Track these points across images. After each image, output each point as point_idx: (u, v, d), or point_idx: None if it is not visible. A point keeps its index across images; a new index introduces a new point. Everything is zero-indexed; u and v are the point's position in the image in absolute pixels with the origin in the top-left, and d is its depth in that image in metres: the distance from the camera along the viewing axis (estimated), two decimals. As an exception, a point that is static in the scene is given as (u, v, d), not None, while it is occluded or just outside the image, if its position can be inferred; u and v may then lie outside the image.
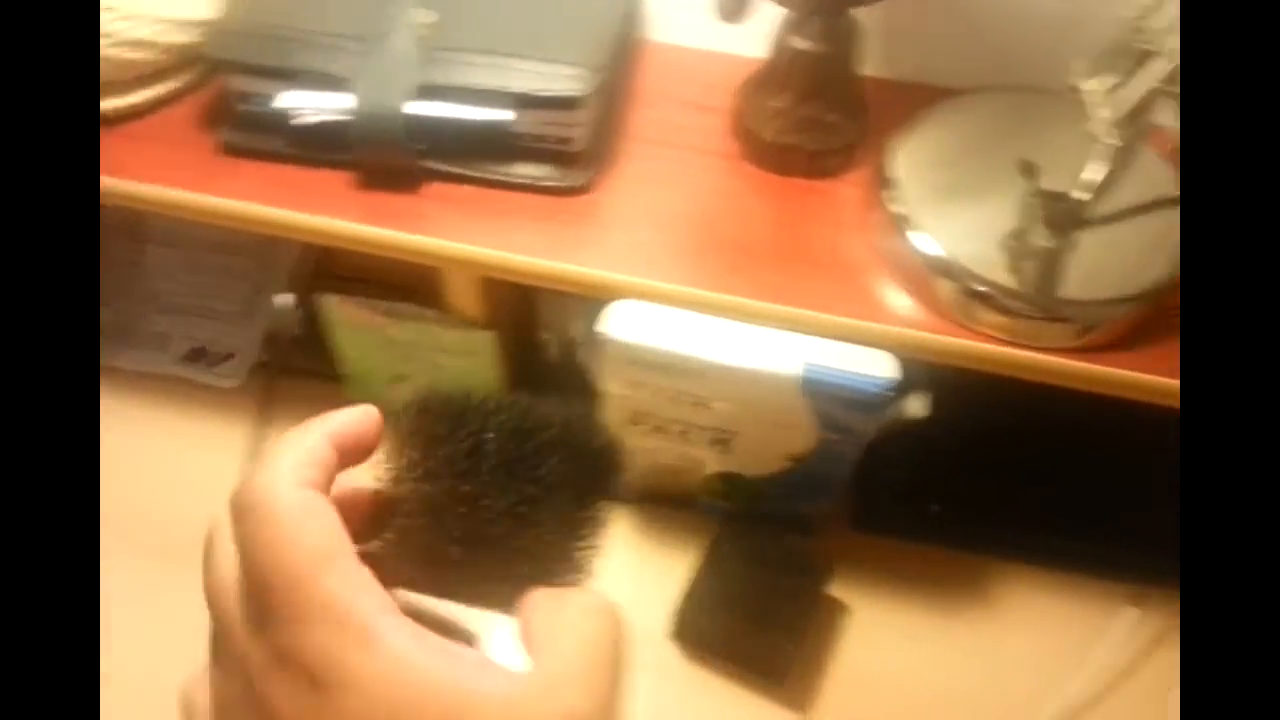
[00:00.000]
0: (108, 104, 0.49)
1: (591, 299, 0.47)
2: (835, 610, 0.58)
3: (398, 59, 0.45)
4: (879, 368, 0.45)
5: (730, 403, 0.48)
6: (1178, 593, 0.56)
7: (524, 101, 0.45)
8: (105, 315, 0.66)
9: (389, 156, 0.46)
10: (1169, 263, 0.45)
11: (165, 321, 0.66)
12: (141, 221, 0.69)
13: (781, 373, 0.45)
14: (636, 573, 0.58)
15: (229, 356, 0.64)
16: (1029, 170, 0.48)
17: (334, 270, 0.66)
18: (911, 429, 0.50)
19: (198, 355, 0.64)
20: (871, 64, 0.52)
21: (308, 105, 0.46)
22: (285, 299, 0.66)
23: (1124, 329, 0.45)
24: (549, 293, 0.50)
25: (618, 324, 0.46)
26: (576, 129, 0.47)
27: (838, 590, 0.58)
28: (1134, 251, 0.46)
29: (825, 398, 0.46)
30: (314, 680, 0.22)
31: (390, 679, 0.22)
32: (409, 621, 0.23)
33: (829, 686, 0.55)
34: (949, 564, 0.60)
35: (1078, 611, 0.58)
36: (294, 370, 0.65)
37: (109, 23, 0.46)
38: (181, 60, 0.50)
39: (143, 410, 0.64)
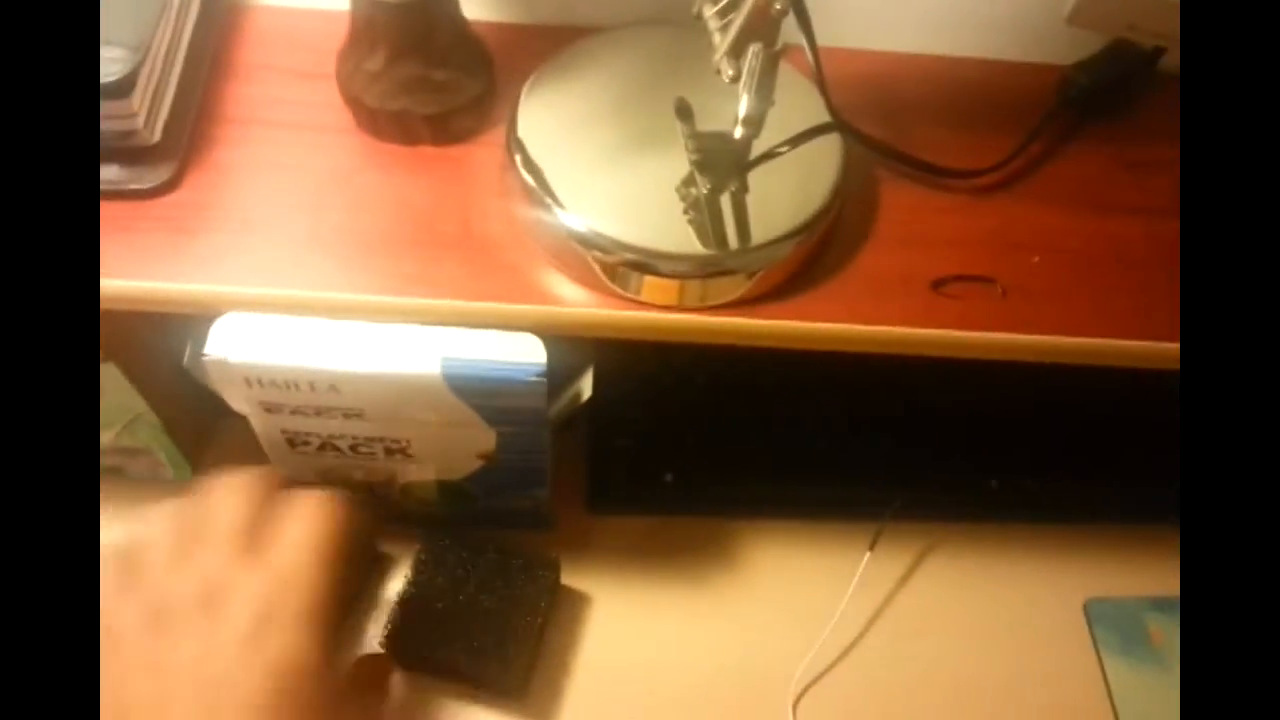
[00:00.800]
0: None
1: (195, 317, 0.40)
2: (577, 601, 0.54)
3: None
4: (528, 353, 0.40)
5: (384, 411, 0.42)
6: (911, 525, 0.56)
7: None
8: None
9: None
10: (823, 193, 0.42)
11: None
12: None
13: (421, 373, 0.40)
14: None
15: None
16: (684, 111, 0.44)
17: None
18: (619, 394, 0.46)
19: None
20: (490, 6, 0.46)
21: None
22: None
23: (788, 271, 0.42)
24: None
25: (226, 343, 0.39)
26: (136, 118, 0.39)
27: (579, 579, 0.54)
28: (790, 188, 0.42)
29: (477, 393, 0.41)
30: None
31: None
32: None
33: (576, 686, 0.51)
34: (691, 531, 0.56)
35: (821, 560, 0.55)
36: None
37: None
38: None
39: None
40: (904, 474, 0.56)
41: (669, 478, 0.56)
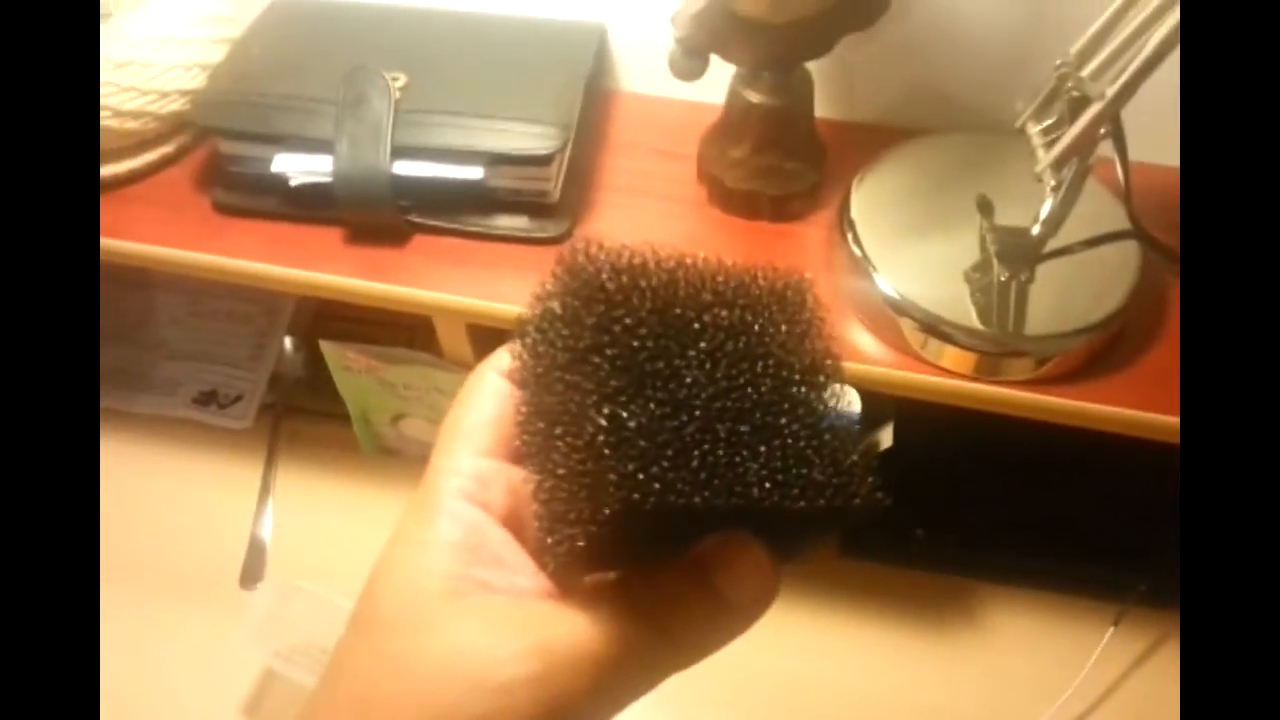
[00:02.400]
0: (107, 170, 0.52)
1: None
2: (825, 632, 0.59)
3: (374, 121, 0.48)
4: (845, 400, 0.47)
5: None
6: (1155, 610, 0.58)
7: (494, 159, 0.48)
8: (116, 361, 0.69)
9: (373, 213, 0.49)
10: (1120, 294, 0.47)
11: (174, 367, 0.69)
12: (148, 271, 0.72)
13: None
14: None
15: (237, 399, 0.67)
16: (985, 207, 0.50)
17: (334, 315, 0.69)
18: (889, 458, 0.52)
19: (208, 399, 0.67)
20: (830, 107, 0.54)
21: (295, 168, 0.49)
22: (290, 344, 0.69)
23: (1079, 360, 0.47)
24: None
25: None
26: (549, 183, 0.49)
27: (826, 616, 0.60)
28: (1086, 284, 0.47)
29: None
30: None
31: None
32: None
33: (826, 698, 0.57)
34: (934, 587, 0.61)
35: (1060, 632, 0.59)
36: (300, 411, 0.68)
37: (106, 96, 0.49)
38: (174, 127, 0.53)
39: (157, 452, 0.67)
40: (1154, 559, 0.58)
41: (920, 533, 0.61)
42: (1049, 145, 0.46)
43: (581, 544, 0.21)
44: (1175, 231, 0.50)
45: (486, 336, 0.55)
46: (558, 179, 0.50)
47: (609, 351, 0.22)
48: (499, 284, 0.50)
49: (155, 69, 0.49)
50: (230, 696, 0.57)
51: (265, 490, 0.65)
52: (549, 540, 0.23)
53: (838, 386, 0.25)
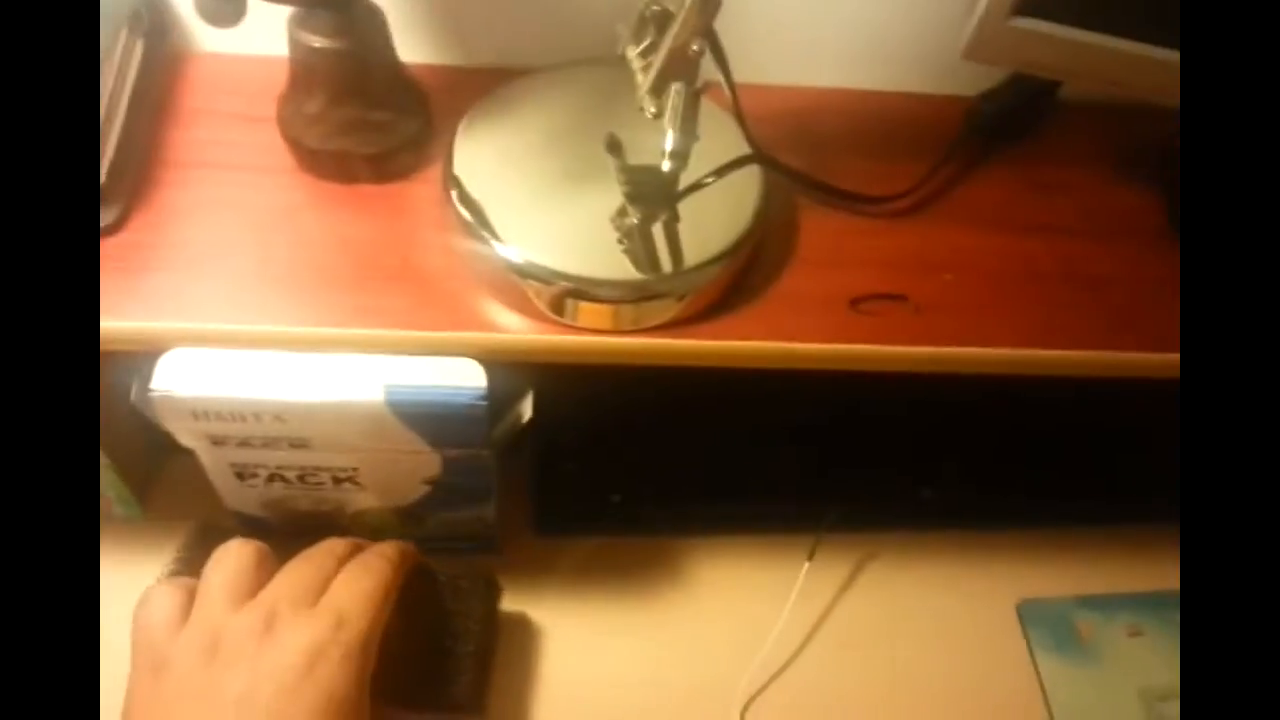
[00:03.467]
0: None
1: (141, 354, 0.41)
2: (526, 622, 0.55)
3: None
4: (468, 377, 0.42)
5: (330, 440, 0.44)
6: (845, 537, 0.58)
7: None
8: None
9: None
10: (745, 219, 0.44)
11: None
12: None
13: (365, 400, 0.41)
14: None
15: None
16: (615, 146, 0.46)
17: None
18: (563, 419, 0.48)
19: None
20: (439, 51, 0.49)
21: None
22: None
23: (717, 293, 0.44)
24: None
25: (172, 378, 0.40)
26: (81, 163, 0.40)
27: (528, 600, 0.56)
28: (716, 215, 0.45)
29: (420, 417, 0.42)
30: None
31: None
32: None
33: (533, 704, 0.53)
34: (636, 551, 0.58)
35: (762, 573, 0.57)
36: None
37: None
38: None
39: None
40: (839, 486, 0.58)
41: (616, 499, 0.57)
42: (646, 70, 0.42)
43: None
44: (796, 149, 0.49)
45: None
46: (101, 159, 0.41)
47: None
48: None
49: None
50: None
51: None
52: None
53: None
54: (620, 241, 0.44)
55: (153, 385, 0.40)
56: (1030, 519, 0.61)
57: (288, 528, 0.52)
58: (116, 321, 0.40)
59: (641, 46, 0.42)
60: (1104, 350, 0.46)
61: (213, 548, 0.42)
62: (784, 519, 0.57)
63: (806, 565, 0.56)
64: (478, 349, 0.42)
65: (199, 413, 0.41)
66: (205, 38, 0.49)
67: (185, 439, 0.43)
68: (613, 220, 0.44)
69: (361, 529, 0.52)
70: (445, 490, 0.49)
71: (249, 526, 0.52)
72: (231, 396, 0.40)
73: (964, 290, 0.47)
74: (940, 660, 0.56)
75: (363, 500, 0.49)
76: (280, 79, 0.46)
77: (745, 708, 0.53)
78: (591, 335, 0.43)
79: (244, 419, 0.42)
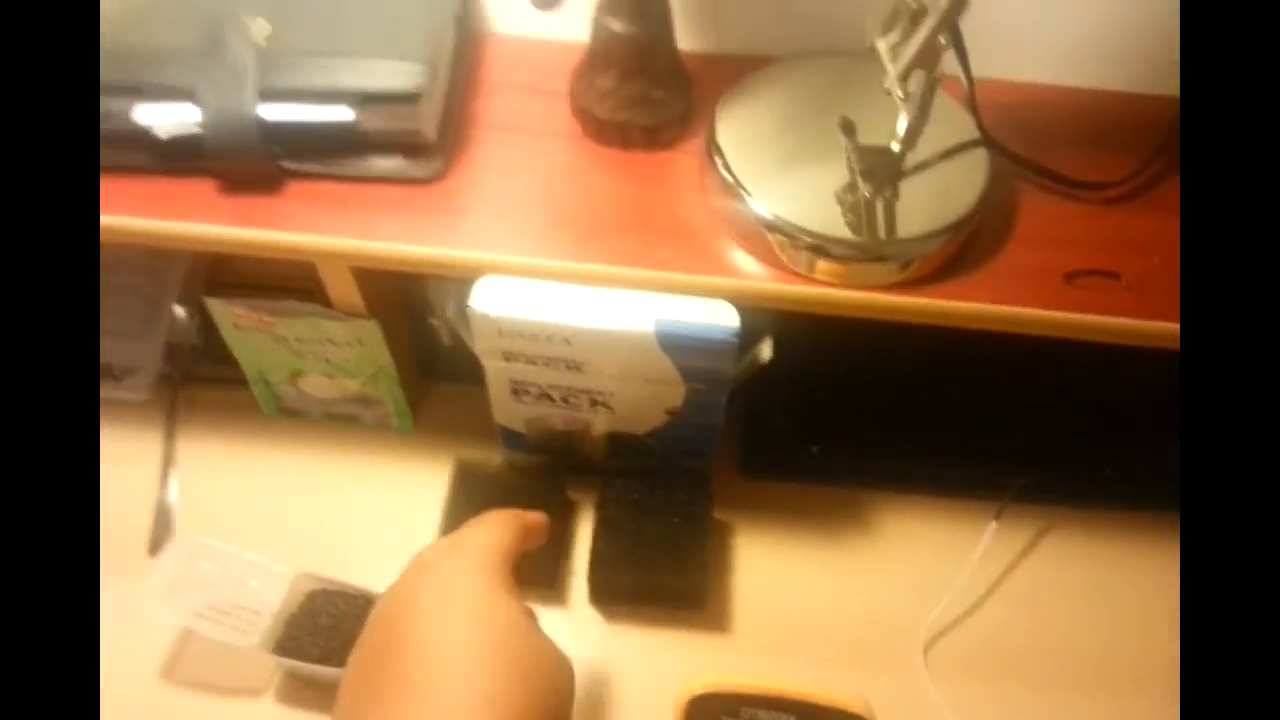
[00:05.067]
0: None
1: (463, 279, 0.50)
2: (732, 550, 0.62)
3: (237, 67, 0.48)
4: (725, 318, 0.49)
5: (600, 364, 0.52)
6: (1032, 505, 0.62)
7: (363, 99, 0.48)
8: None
9: (244, 161, 0.49)
10: (971, 198, 0.49)
11: (65, 344, 0.67)
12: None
13: (638, 330, 0.49)
14: (554, 547, 0.61)
15: (133, 371, 0.66)
16: (848, 127, 0.52)
17: (224, 277, 0.68)
18: (774, 375, 0.54)
19: (102, 373, 0.66)
20: (696, 39, 0.56)
21: (160, 119, 0.48)
22: (182, 312, 0.68)
23: (939, 261, 0.50)
24: (431, 279, 0.53)
25: (485, 300, 0.49)
26: (421, 122, 0.50)
27: (733, 533, 0.62)
28: (942, 192, 0.50)
29: (680, 349, 0.50)
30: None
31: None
32: None
33: (740, 609, 0.59)
34: (829, 499, 0.64)
35: (947, 531, 0.62)
36: (197, 378, 0.68)
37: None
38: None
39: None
40: (1030, 456, 0.62)
41: (815, 450, 0.64)
42: (895, 60, 0.48)
43: None
44: (1018, 138, 0.54)
45: (375, 283, 0.55)
46: (432, 118, 0.51)
47: None
48: (378, 225, 0.50)
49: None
50: (147, 659, 0.56)
51: (167, 460, 0.64)
52: None
53: None
54: (845, 215, 0.50)
55: (470, 304, 0.49)
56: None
57: (540, 444, 0.60)
58: (439, 250, 0.50)
59: (891, 37, 0.49)
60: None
61: (472, 487, 0.52)
62: (974, 484, 0.62)
63: (994, 524, 0.60)
64: (730, 292, 0.49)
65: (504, 330, 0.50)
66: (501, 20, 0.58)
67: (484, 353, 0.52)
68: (837, 194, 0.50)
69: (599, 451, 0.60)
70: (681, 422, 0.56)
71: (508, 441, 0.61)
72: (533, 319, 0.49)
73: (1171, 272, 0.51)
74: (1096, 631, 0.60)
75: (608, 424, 0.57)
76: (562, 60, 0.55)
77: (928, 647, 0.59)
78: (826, 288, 0.50)
79: (537, 339, 0.50)
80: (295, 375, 0.62)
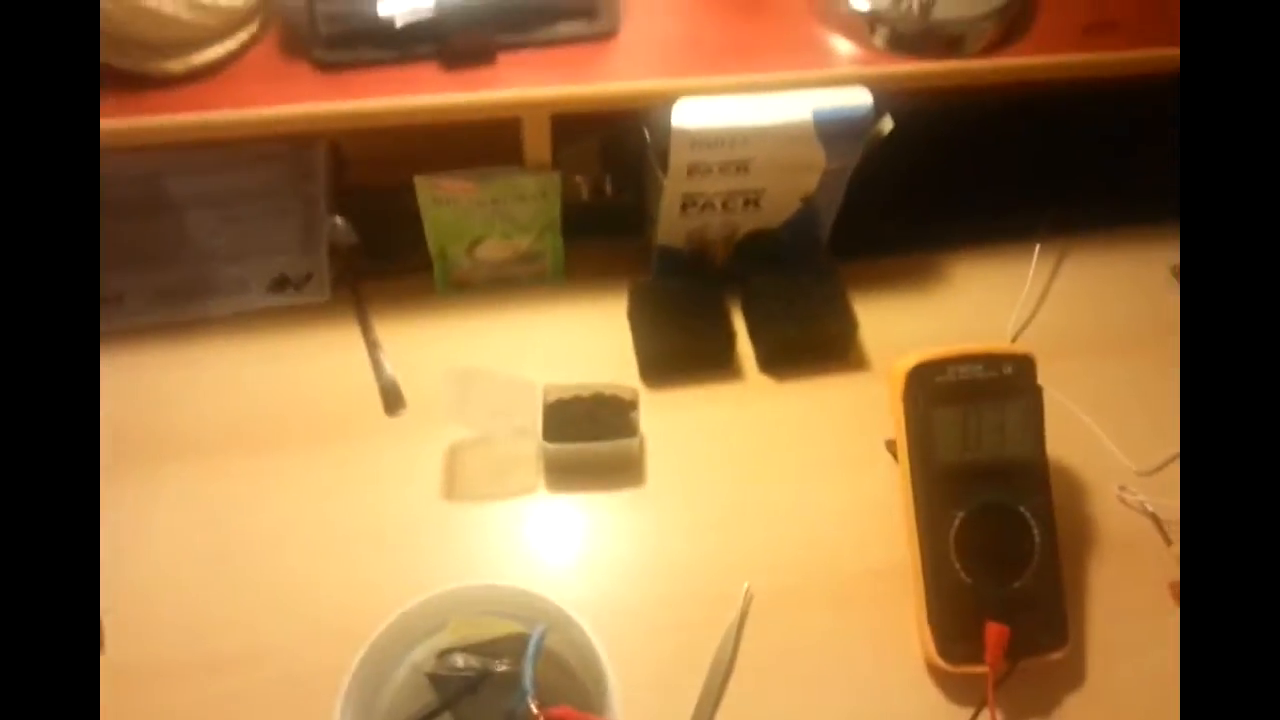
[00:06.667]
0: (207, 55, 0.59)
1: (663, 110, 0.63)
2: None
3: (461, -42, 0.58)
4: (859, 99, 0.64)
5: (764, 156, 0.65)
6: (1062, 234, 0.80)
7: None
8: (175, 281, 0.74)
9: (472, 37, 0.60)
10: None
11: (236, 269, 0.75)
12: (165, 195, 0.77)
13: (799, 119, 0.63)
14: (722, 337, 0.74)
15: (309, 277, 0.74)
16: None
17: (346, 184, 0.77)
18: (876, 155, 0.70)
19: (281, 284, 0.74)
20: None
21: (399, 9, 0.58)
22: (338, 219, 0.76)
23: (989, 37, 0.66)
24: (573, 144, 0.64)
25: (682, 118, 0.62)
26: (597, -7, 0.62)
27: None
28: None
29: (831, 130, 0.64)
30: None
31: None
32: None
33: (873, 349, 0.75)
34: (907, 264, 0.81)
35: (1004, 265, 0.80)
36: (366, 272, 0.76)
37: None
38: (255, 8, 0.60)
39: (258, 343, 0.72)
40: (1055, 196, 0.81)
41: (888, 226, 0.80)
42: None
43: None
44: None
45: (560, 139, 0.67)
46: (600, -11, 0.63)
47: None
48: (572, 77, 0.62)
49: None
50: (428, 485, 0.66)
51: (372, 342, 0.73)
52: None
53: None
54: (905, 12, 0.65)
55: (674, 122, 0.62)
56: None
57: (694, 255, 0.74)
58: (628, 83, 0.62)
59: None
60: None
61: (646, 299, 0.67)
62: (1015, 226, 0.80)
63: (1037, 248, 0.79)
64: (859, 78, 0.64)
65: (698, 141, 0.63)
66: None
67: (674, 168, 0.65)
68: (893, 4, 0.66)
69: (740, 253, 0.74)
70: (808, 209, 0.71)
71: (663, 262, 0.74)
72: (720, 125, 0.62)
73: (1149, 18, 0.70)
74: (1119, 302, 0.80)
75: (754, 222, 0.71)
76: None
77: (1014, 338, 0.76)
78: (914, 63, 0.65)
79: (721, 144, 0.63)
80: (475, 243, 0.72)
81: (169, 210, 0.76)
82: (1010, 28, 0.67)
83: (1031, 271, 0.79)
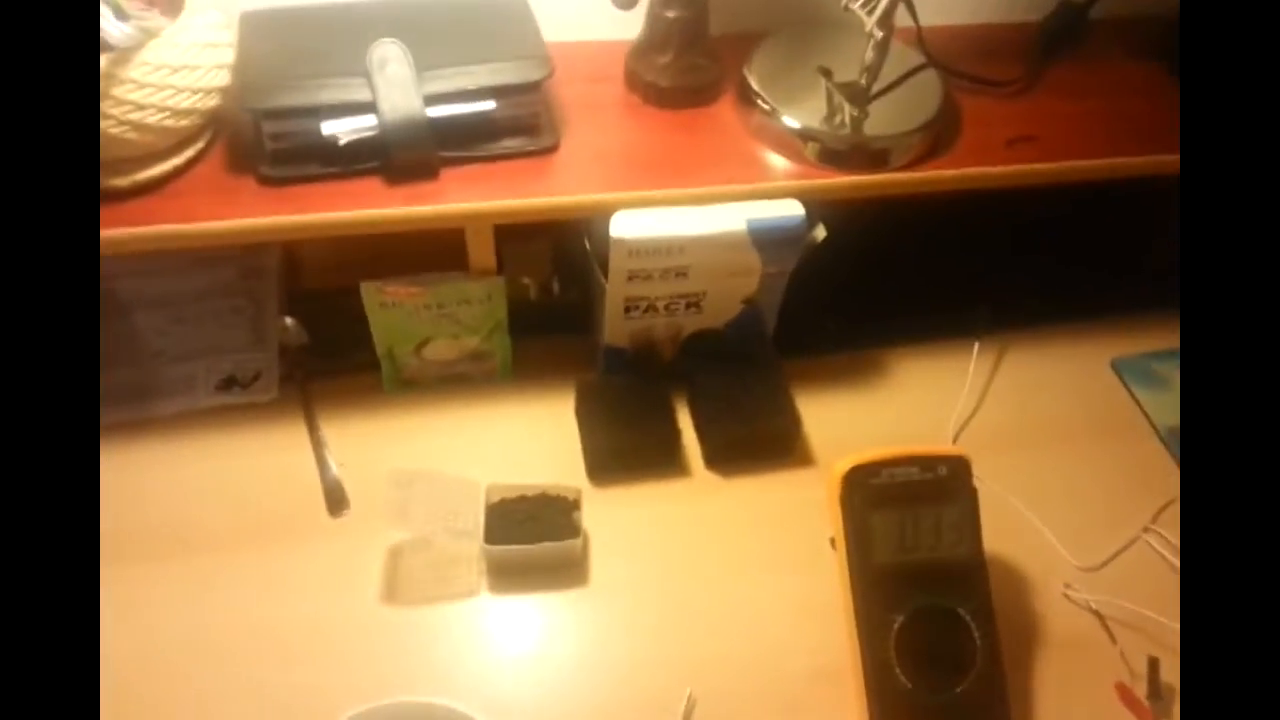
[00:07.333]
0: (156, 170, 0.60)
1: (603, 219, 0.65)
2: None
3: (402, 79, 0.61)
4: (793, 209, 0.66)
5: (702, 264, 0.67)
6: (998, 333, 0.83)
7: (502, 91, 0.62)
8: (123, 380, 0.74)
9: (415, 153, 0.62)
10: (934, 104, 0.70)
11: (184, 368, 0.75)
12: (115, 295, 0.77)
13: (733, 229, 0.65)
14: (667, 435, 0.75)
15: (256, 376, 0.75)
16: (826, 72, 0.72)
17: (298, 286, 0.79)
18: (815, 258, 0.72)
19: (229, 383, 0.75)
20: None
21: (343, 129, 0.60)
22: (287, 320, 0.77)
23: (916, 151, 0.69)
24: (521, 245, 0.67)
25: (620, 229, 0.64)
26: (539, 105, 0.64)
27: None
28: (912, 104, 0.70)
29: (766, 239, 0.67)
30: None
31: None
32: None
33: (817, 446, 0.76)
34: (845, 363, 0.82)
35: (942, 364, 0.82)
36: (315, 371, 0.77)
37: (164, 98, 0.57)
38: (206, 123, 0.62)
39: (204, 442, 0.73)
40: (990, 297, 0.83)
41: (829, 324, 0.82)
42: (869, 12, 0.67)
43: None
44: (950, 60, 0.75)
45: (507, 241, 0.69)
46: (545, 104, 0.65)
47: None
48: (513, 190, 0.64)
49: (200, 71, 0.58)
50: (367, 589, 0.66)
51: (318, 441, 0.73)
52: None
53: None
54: (839, 129, 0.69)
55: (613, 233, 0.64)
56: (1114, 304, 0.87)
57: (637, 354, 0.75)
58: (563, 198, 0.64)
59: (859, 2, 0.68)
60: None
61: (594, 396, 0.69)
62: (952, 325, 0.82)
63: (976, 346, 0.81)
64: (792, 190, 0.67)
65: (633, 250, 0.65)
66: (549, 31, 0.73)
67: (614, 273, 0.67)
68: (825, 121, 0.69)
69: (683, 351, 0.76)
70: (750, 310, 0.73)
71: (609, 361, 0.75)
72: (656, 235, 0.64)
73: (1064, 133, 0.73)
74: (1075, 398, 0.82)
75: (696, 324, 0.73)
76: (604, 55, 0.71)
77: (955, 438, 0.78)
78: (846, 176, 0.68)
79: (658, 252, 0.65)
80: (422, 344, 0.73)
81: (117, 312, 0.77)
82: (936, 142, 0.70)
83: (972, 367, 0.81)
